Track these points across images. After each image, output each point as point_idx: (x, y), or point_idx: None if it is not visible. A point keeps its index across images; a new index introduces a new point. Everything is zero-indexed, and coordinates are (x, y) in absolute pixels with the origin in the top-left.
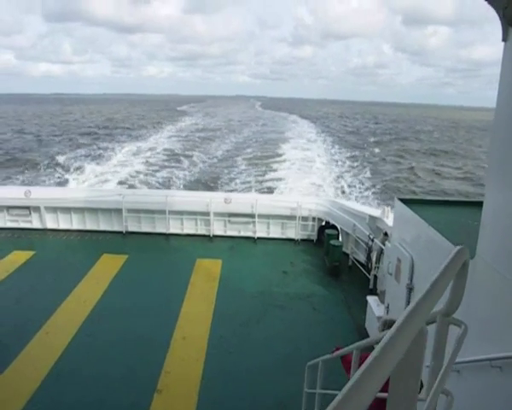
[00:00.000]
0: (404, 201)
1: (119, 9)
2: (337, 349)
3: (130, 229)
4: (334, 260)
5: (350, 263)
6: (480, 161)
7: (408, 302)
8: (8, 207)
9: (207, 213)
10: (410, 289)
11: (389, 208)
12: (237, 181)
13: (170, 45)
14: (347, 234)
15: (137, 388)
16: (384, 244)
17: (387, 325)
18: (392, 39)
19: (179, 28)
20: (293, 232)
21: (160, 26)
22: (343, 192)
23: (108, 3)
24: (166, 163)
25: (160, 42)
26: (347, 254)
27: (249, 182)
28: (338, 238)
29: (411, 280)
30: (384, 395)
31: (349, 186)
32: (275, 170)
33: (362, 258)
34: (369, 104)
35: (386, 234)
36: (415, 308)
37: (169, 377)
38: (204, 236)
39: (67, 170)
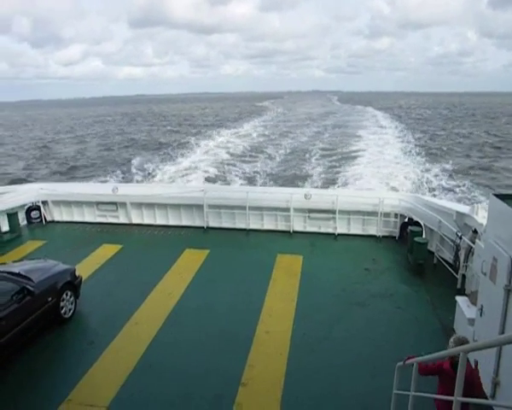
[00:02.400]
0: (500, 196)
1: (197, 12)
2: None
3: (211, 224)
4: (419, 257)
5: (435, 261)
6: None
7: (506, 304)
8: (98, 203)
9: (287, 209)
10: (509, 291)
11: (479, 205)
12: (319, 159)
13: (245, 43)
14: (432, 231)
15: (222, 380)
16: (474, 242)
17: (459, 342)
18: (477, 24)
19: (254, 26)
20: (374, 229)
21: (236, 25)
22: (427, 182)
23: (188, 7)
24: (264, 143)
25: (236, 41)
26: (432, 252)
27: (328, 161)
28: (421, 235)
29: (510, 281)
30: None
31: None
32: (354, 154)
33: (448, 256)
34: (450, 95)
35: (475, 231)
36: None
37: (253, 370)
38: (284, 232)
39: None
